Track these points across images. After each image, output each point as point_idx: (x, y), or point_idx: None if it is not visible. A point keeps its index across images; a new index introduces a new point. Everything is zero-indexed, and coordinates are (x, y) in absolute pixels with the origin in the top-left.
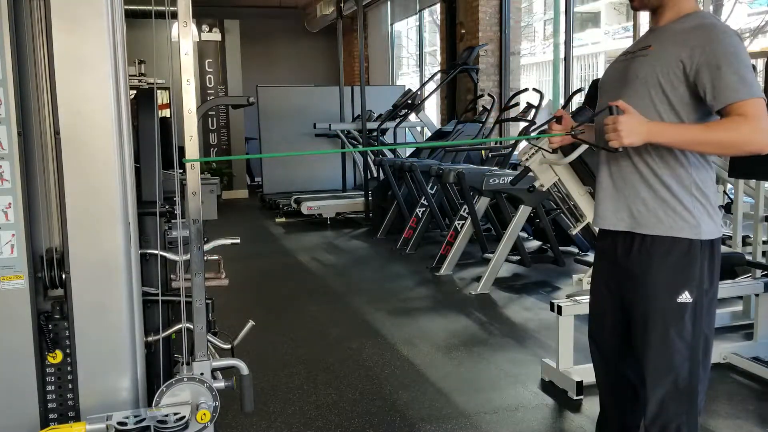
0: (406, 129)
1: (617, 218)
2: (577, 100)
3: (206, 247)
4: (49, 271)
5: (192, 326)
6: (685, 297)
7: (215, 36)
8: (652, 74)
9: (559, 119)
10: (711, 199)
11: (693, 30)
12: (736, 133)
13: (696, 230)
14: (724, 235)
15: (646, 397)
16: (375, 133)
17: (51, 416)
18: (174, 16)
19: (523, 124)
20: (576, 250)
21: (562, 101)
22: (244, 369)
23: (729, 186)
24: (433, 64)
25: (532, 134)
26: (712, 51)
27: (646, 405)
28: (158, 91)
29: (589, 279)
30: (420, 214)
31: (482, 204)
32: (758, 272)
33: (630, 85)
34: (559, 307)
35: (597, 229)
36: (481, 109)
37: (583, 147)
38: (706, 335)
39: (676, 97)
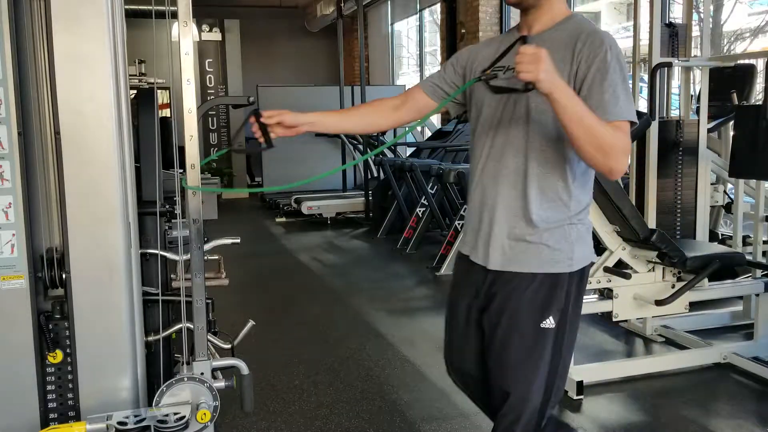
0: (406, 129)
1: (485, 256)
2: None
3: (206, 246)
4: (49, 271)
5: (192, 326)
6: (549, 323)
7: (215, 36)
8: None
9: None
10: (586, 221)
11: (575, 40)
12: (611, 138)
13: (569, 263)
14: (724, 234)
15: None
16: (375, 134)
17: (51, 416)
18: (174, 16)
19: None
20: None
21: None
22: (244, 369)
23: (729, 186)
24: (433, 64)
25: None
26: (597, 65)
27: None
28: (158, 91)
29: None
30: (420, 213)
31: None
32: (758, 272)
33: (509, 108)
34: None
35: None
36: None
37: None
38: (564, 357)
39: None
